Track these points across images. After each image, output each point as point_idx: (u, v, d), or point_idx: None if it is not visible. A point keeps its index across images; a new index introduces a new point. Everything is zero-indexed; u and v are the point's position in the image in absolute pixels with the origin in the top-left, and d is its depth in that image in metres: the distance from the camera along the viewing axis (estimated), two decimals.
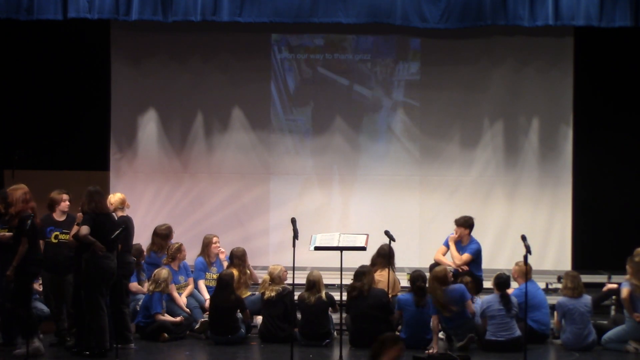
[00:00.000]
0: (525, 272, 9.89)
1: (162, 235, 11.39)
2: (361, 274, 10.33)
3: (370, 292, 10.21)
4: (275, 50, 13.45)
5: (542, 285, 11.58)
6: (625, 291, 10.14)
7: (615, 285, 10.79)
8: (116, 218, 9.97)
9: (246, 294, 11.01)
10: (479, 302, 10.32)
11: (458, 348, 9.95)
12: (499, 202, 13.24)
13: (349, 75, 13.40)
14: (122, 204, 10.29)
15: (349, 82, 13.40)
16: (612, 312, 11.11)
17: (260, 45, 13.37)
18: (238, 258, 11.12)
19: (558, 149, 13.20)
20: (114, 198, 10.30)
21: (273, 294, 10.35)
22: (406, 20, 12.14)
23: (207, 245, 11.30)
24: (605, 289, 10.90)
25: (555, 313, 10.29)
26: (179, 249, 11.02)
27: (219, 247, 11.41)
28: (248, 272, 11.22)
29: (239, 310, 10.37)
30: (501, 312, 9.99)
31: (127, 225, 9.99)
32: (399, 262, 11.33)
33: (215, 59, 13.34)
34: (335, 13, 11.99)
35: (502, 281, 10.18)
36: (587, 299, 10.23)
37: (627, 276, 10.39)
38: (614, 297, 10.82)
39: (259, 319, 10.70)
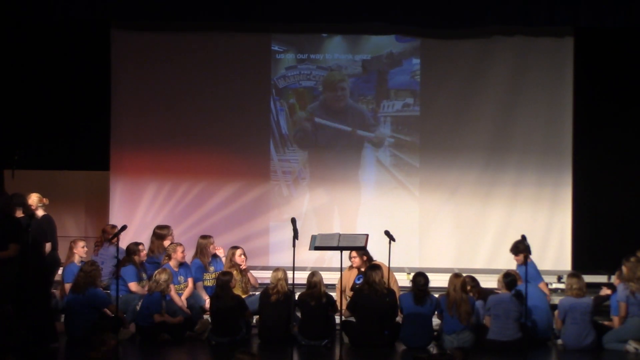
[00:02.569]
0: (526, 274, 9.86)
1: (159, 236, 11.40)
2: (373, 271, 10.29)
3: (381, 292, 10.19)
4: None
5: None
6: (622, 307, 10.15)
7: (610, 291, 10.80)
8: (38, 217, 10.06)
9: (246, 294, 11.01)
10: (479, 304, 10.29)
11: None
12: (499, 202, 13.23)
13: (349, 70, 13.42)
14: (41, 202, 10.29)
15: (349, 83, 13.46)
16: None
17: (261, 44, 13.36)
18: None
19: (558, 149, 13.19)
20: (31, 199, 10.27)
21: (281, 296, 10.29)
22: (406, 20, 12.14)
23: (203, 248, 11.30)
24: (602, 293, 10.91)
25: (557, 312, 10.28)
26: (175, 248, 11.00)
27: (214, 246, 11.42)
28: (247, 275, 11.26)
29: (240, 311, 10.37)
30: (506, 312, 9.95)
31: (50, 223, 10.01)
32: (399, 262, 11.32)
33: (216, 59, 13.32)
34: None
35: (511, 279, 10.16)
36: (589, 299, 10.22)
37: (617, 280, 10.43)
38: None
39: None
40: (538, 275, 10.79)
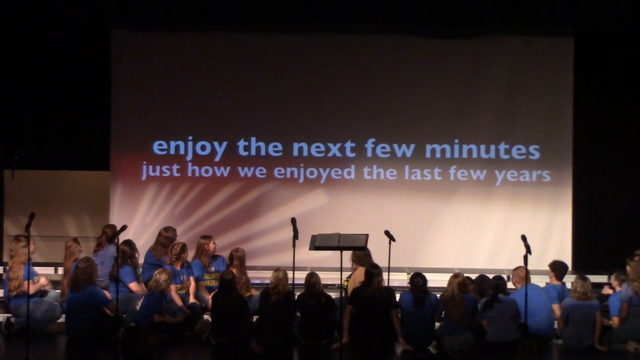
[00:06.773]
0: (525, 275, 9.85)
1: (170, 239, 11.39)
2: (375, 273, 10.26)
3: (380, 292, 10.17)
4: None
5: (541, 284, 11.57)
6: (624, 307, 10.15)
7: (612, 291, 10.79)
8: None
9: (246, 294, 11.01)
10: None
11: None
12: (499, 202, 13.24)
13: (351, 79, 13.39)
14: None
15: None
16: None
17: (261, 44, 13.36)
18: (238, 259, 11.13)
19: (558, 149, 13.21)
20: None
21: (281, 297, 10.27)
22: (405, 20, 12.14)
23: (200, 249, 11.31)
24: (604, 292, 10.91)
25: (559, 313, 10.26)
26: (183, 249, 10.99)
27: (214, 246, 11.42)
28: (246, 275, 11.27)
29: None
30: (500, 314, 9.96)
31: None
32: (399, 262, 11.30)
33: (215, 59, 13.33)
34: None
35: (497, 283, 10.16)
36: (594, 303, 10.18)
37: (615, 281, 10.43)
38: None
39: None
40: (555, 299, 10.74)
